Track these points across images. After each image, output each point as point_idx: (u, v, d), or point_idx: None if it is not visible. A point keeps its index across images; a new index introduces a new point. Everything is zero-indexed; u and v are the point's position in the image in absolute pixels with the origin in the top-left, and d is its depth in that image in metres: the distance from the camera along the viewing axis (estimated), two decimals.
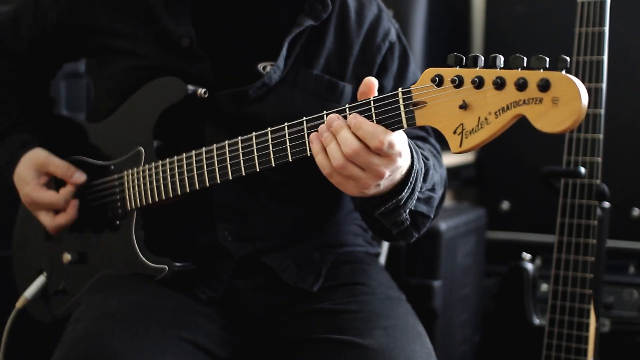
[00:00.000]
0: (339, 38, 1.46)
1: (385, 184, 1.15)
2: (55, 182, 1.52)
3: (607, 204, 1.79)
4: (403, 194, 1.19)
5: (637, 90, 2.48)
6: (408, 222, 1.27)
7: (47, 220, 1.50)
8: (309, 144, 1.18)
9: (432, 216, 1.34)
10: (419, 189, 1.23)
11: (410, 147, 1.19)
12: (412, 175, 1.18)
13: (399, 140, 1.13)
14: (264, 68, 1.42)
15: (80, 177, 1.49)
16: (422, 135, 1.49)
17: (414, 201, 1.23)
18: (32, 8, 1.54)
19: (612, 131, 1.98)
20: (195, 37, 1.40)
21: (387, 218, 1.24)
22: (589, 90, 1.75)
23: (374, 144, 1.10)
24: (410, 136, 1.38)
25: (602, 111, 1.77)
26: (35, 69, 1.62)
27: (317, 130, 1.16)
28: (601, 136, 1.78)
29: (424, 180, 1.25)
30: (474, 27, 2.91)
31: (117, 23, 1.45)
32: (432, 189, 1.31)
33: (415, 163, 1.19)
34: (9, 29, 1.58)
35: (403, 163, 1.15)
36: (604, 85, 1.77)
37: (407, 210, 1.24)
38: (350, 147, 1.11)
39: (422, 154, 1.27)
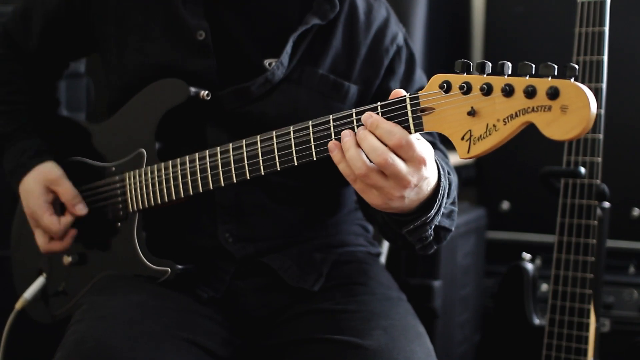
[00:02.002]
0: (347, 38, 1.46)
1: (411, 196, 1.13)
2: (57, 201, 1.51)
3: (607, 204, 1.79)
4: (431, 212, 1.17)
5: (637, 90, 2.48)
6: (432, 237, 1.25)
7: (42, 241, 1.50)
8: (314, 148, 1.18)
9: (452, 229, 1.32)
10: (444, 205, 1.21)
11: (437, 162, 1.17)
12: (440, 192, 1.17)
13: (422, 147, 1.11)
14: (270, 64, 1.42)
15: (82, 209, 1.48)
16: (431, 140, 1.47)
17: (440, 217, 1.22)
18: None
19: (612, 131, 1.98)
20: (210, 31, 1.40)
21: (413, 235, 1.21)
22: None
23: (392, 141, 1.08)
24: None
25: (602, 111, 1.77)
26: (43, 67, 1.62)
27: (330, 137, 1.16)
28: (601, 136, 1.78)
29: (448, 195, 1.23)
30: (474, 28, 2.91)
31: (129, 12, 1.45)
32: (454, 202, 1.30)
33: (442, 180, 1.17)
34: (20, 24, 1.58)
35: (429, 174, 1.13)
36: (604, 85, 1.77)
37: (432, 227, 1.22)
38: (381, 155, 1.08)
39: (445, 168, 1.25)
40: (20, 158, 1.52)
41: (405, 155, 1.10)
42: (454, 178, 1.32)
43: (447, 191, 1.21)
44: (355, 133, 1.14)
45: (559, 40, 2.17)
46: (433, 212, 1.18)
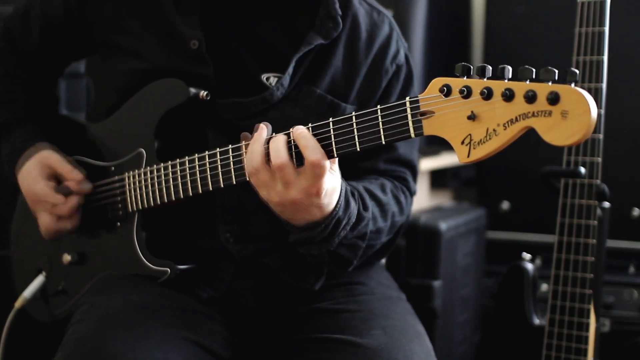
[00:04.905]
0: (347, 58, 1.44)
1: (295, 212, 1.20)
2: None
3: (607, 204, 1.79)
4: (315, 233, 1.23)
5: (637, 90, 2.48)
6: (326, 259, 1.31)
7: (49, 222, 1.46)
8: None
9: (354, 261, 1.35)
10: (341, 236, 1.26)
11: (342, 194, 1.23)
12: (328, 219, 1.22)
13: (328, 178, 1.17)
14: (268, 79, 1.41)
15: (85, 186, 1.46)
16: (402, 176, 1.49)
17: (334, 245, 1.27)
18: (40, 0, 1.54)
19: (612, 131, 1.98)
20: (204, 40, 1.39)
21: (300, 248, 1.28)
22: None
23: (313, 157, 1.14)
24: (392, 175, 1.45)
25: (602, 111, 1.77)
26: (43, 65, 1.61)
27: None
28: (601, 136, 1.78)
29: (352, 229, 1.28)
30: (474, 28, 2.92)
31: (124, 18, 1.44)
32: (361, 237, 1.33)
33: (337, 210, 1.22)
34: (20, 23, 1.57)
35: (325, 202, 1.19)
36: (604, 85, 1.77)
37: (324, 250, 1.27)
38: (280, 157, 1.16)
39: (365, 202, 1.32)
40: (15, 145, 1.51)
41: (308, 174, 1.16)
42: (377, 219, 1.36)
43: (345, 223, 1.25)
44: (270, 129, 1.21)
45: (559, 40, 2.18)
46: (317, 234, 1.23)
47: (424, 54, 2.41)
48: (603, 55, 1.77)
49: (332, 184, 1.19)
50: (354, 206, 1.27)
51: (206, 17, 1.42)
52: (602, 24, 1.77)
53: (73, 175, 1.47)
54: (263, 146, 1.19)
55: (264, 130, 1.21)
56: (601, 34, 1.77)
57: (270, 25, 1.44)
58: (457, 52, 2.80)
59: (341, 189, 1.23)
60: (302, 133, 1.17)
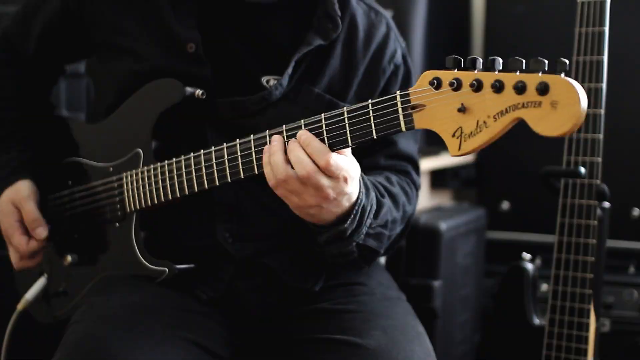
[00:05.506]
0: (345, 58, 1.45)
1: (329, 208, 1.20)
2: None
3: (607, 204, 1.79)
4: (346, 225, 1.23)
5: (637, 90, 2.48)
6: (356, 254, 1.31)
7: (14, 259, 1.54)
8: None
9: (380, 252, 1.37)
10: (367, 225, 1.27)
11: (360, 181, 1.23)
12: (356, 208, 1.22)
13: (347, 164, 1.17)
14: (268, 81, 1.41)
15: (41, 233, 1.49)
16: (404, 170, 1.50)
17: (362, 235, 1.28)
18: (41, 2, 1.54)
19: (612, 131, 1.98)
20: (201, 43, 1.39)
21: (332, 247, 1.28)
22: (589, 90, 1.75)
23: (322, 163, 1.15)
24: (394, 169, 1.45)
25: (602, 111, 1.77)
26: (40, 71, 1.62)
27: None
28: (601, 136, 1.77)
29: (375, 217, 1.29)
30: (474, 27, 2.92)
31: (122, 19, 1.44)
32: (384, 226, 1.34)
33: (361, 198, 1.23)
34: (19, 28, 1.57)
35: (351, 190, 1.19)
36: (604, 85, 1.76)
37: (354, 244, 1.28)
38: (305, 167, 1.16)
39: (380, 190, 1.34)
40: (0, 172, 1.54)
41: (330, 174, 1.16)
42: (391, 208, 1.36)
43: (369, 211, 1.26)
44: (285, 139, 1.20)
45: (559, 40, 2.17)
46: (349, 226, 1.23)
47: (424, 54, 2.41)
48: (603, 55, 1.77)
49: (354, 169, 1.20)
50: (373, 192, 1.28)
51: (205, 18, 1.42)
52: (602, 24, 1.77)
53: (30, 219, 1.49)
54: (283, 156, 1.19)
55: (280, 141, 1.21)
56: (601, 34, 1.77)
57: (270, 25, 1.44)
58: (457, 52, 2.79)
59: (360, 176, 1.23)
60: (305, 140, 1.18)
